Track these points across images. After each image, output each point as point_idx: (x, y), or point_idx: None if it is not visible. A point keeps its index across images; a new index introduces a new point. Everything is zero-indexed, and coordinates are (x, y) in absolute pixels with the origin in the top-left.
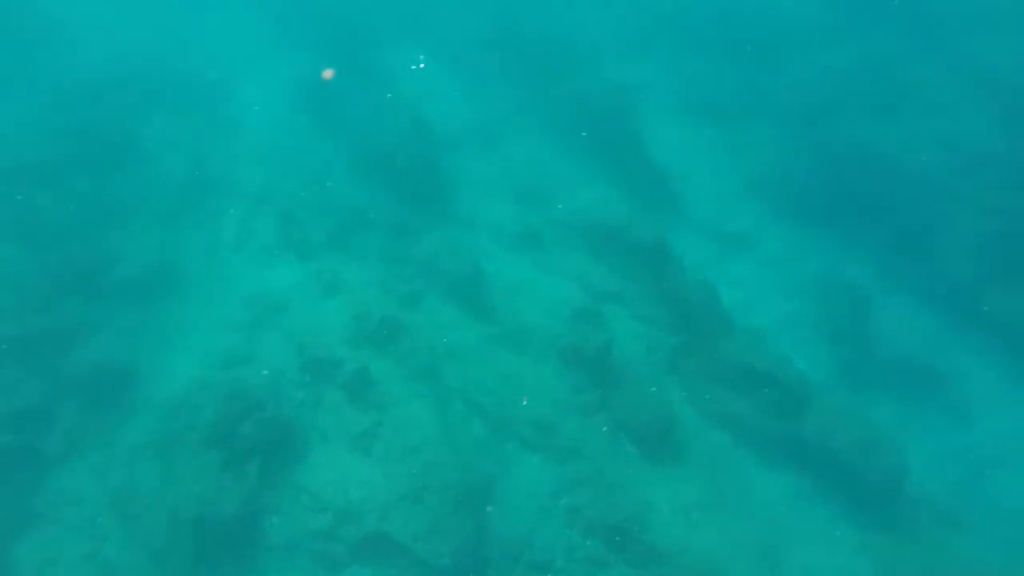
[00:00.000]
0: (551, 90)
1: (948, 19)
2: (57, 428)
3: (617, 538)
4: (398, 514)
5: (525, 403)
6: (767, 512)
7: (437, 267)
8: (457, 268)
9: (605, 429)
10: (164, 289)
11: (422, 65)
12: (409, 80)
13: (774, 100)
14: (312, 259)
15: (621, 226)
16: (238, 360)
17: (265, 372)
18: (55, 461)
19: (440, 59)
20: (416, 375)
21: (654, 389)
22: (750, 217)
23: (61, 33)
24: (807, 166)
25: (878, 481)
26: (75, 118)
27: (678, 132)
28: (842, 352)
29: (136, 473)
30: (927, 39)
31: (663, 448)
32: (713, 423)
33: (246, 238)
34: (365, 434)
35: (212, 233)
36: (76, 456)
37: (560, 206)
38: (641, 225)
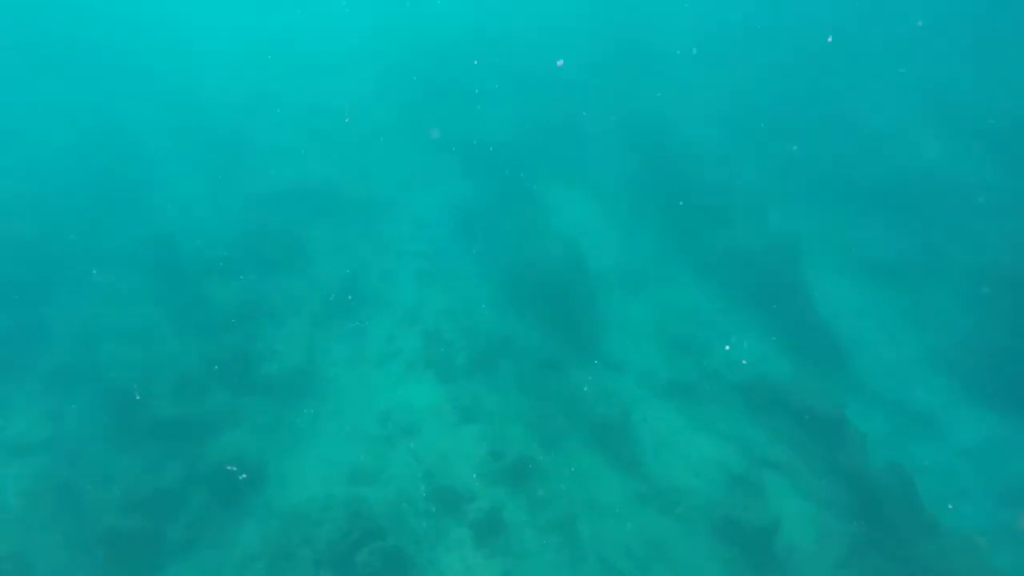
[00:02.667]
0: (709, 236)
1: None
2: (182, 518)
3: None
4: None
5: None
6: None
7: (581, 409)
8: (603, 413)
9: None
10: (305, 392)
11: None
12: (566, 215)
13: (955, 264)
14: (452, 382)
15: (786, 387)
16: (364, 477)
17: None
18: (173, 552)
19: (597, 197)
20: (551, 525)
21: None
22: (937, 394)
23: (256, 152)
24: (1004, 343)
25: None
26: (255, 223)
27: (848, 291)
28: None
29: None
30: None
31: None
32: None
33: (390, 352)
34: None
35: (358, 343)
36: (192, 551)
37: (726, 348)
38: (809, 389)
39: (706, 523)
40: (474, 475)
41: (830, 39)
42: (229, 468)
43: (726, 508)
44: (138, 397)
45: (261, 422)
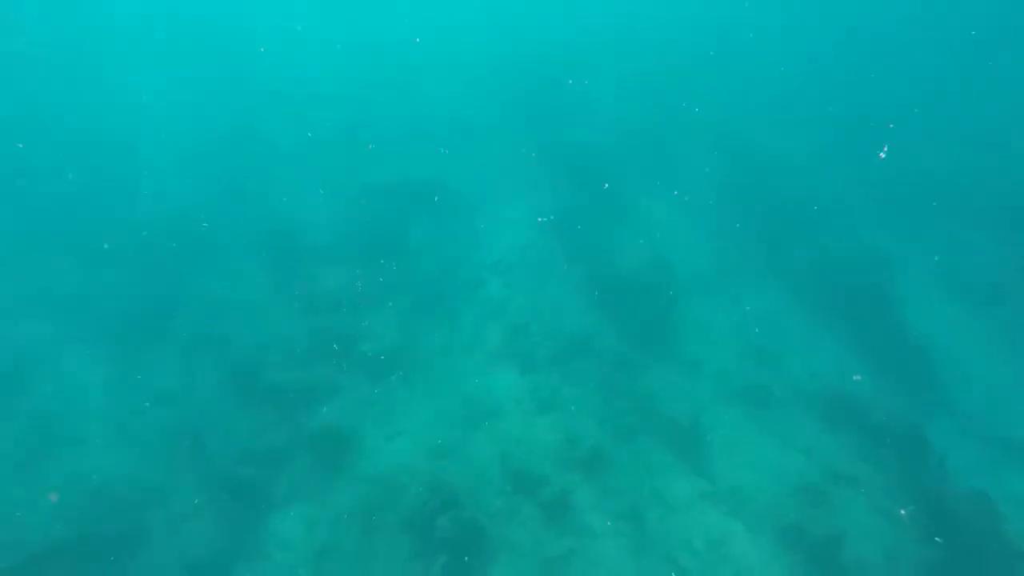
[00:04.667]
0: (797, 247)
1: None
2: (286, 474)
3: None
4: None
5: None
6: None
7: (655, 407)
8: (676, 412)
9: None
10: (400, 370)
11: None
12: (654, 221)
13: None
14: (533, 373)
15: (866, 402)
16: (446, 453)
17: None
18: (277, 503)
19: (687, 204)
20: (618, 513)
21: None
22: None
23: (364, 146)
24: None
25: None
26: (362, 214)
27: (943, 310)
28: None
29: (338, 536)
30: None
31: None
32: None
33: (478, 341)
34: (556, 560)
35: (449, 330)
36: (294, 503)
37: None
38: (891, 406)
39: (771, 528)
40: (548, 461)
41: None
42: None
43: (792, 515)
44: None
45: (359, 395)
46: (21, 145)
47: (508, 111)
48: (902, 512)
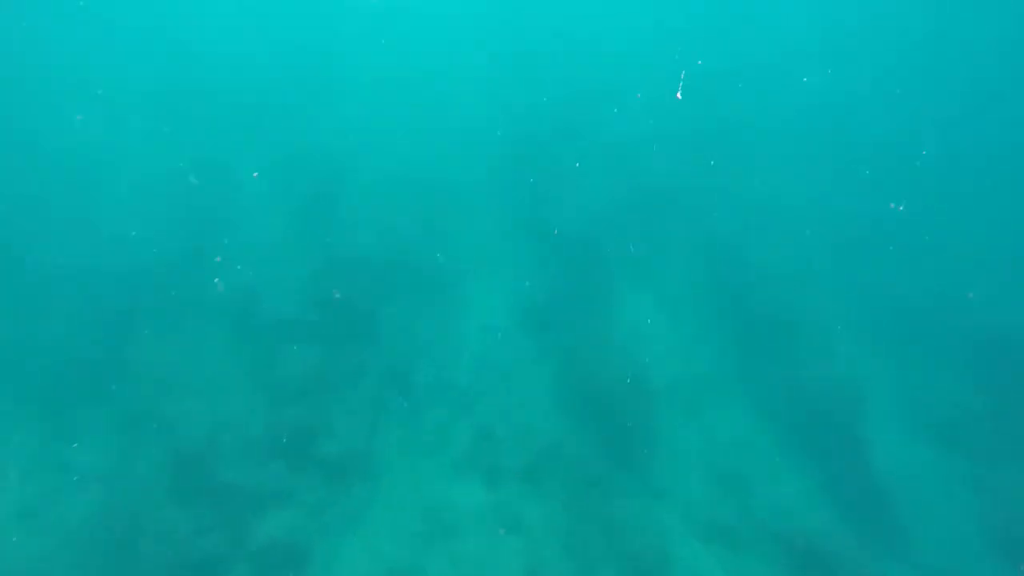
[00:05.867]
0: (771, 365)
1: None
2: None
3: None
4: None
5: None
6: None
7: (623, 538)
8: (642, 546)
9: None
10: (356, 475)
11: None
12: (632, 318)
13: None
14: (498, 487)
15: (829, 546)
16: (403, 575)
17: None
18: None
19: (665, 303)
20: None
21: None
22: None
23: (341, 211)
24: None
25: None
26: (333, 287)
27: (910, 452)
28: None
29: None
30: None
31: None
32: None
33: (442, 444)
34: None
35: (413, 430)
36: None
37: (762, 498)
38: (854, 551)
39: None
40: None
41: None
42: None
43: None
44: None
45: (312, 501)
46: None
47: (492, 181)
48: None
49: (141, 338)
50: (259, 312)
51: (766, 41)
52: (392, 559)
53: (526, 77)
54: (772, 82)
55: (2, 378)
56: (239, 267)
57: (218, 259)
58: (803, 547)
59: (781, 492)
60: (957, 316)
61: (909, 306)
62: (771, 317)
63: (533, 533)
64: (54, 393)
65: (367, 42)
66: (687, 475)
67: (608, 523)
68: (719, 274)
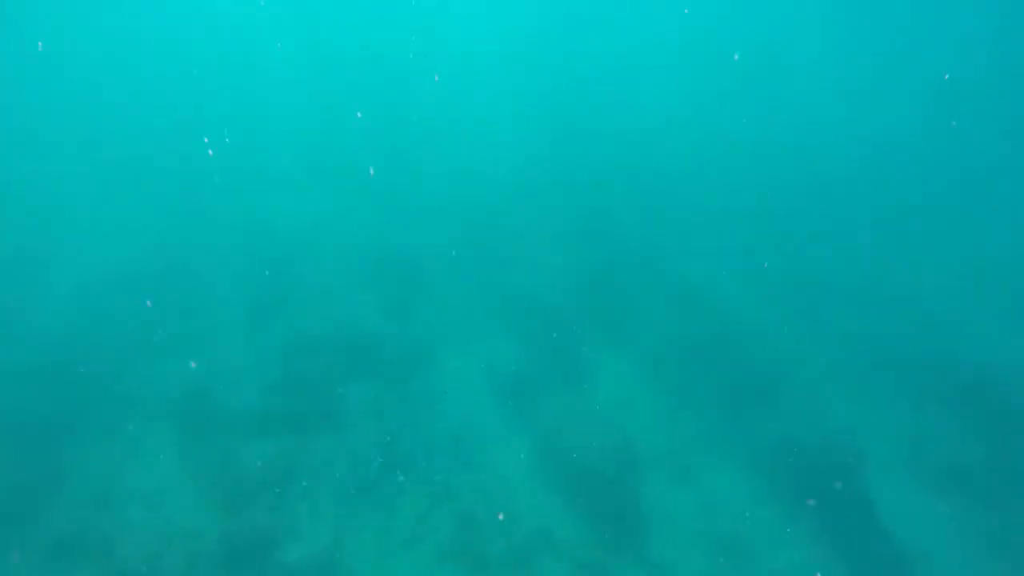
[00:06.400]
0: (760, 422)
1: None
2: None
3: None
4: None
5: None
6: None
7: None
8: None
9: None
10: None
11: None
12: (611, 386)
13: None
14: None
15: None
16: None
17: None
18: None
19: (644, 366)
20: None
21: None
22: None
23: (290, 302)
24: None
25: None
26: (292, 374)
27: (917, 502)
28: None
29: None
30: None
31: None
32: None
33: (421, 534)
34: None
35: (387, 522)
36: None
37: (769, 566)
38: None
39: None
40: None
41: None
42: None
43: None
44: None
45: None
46: None
47: (454, 256)
48: None
49: (73, 443)
50: (210, 406)
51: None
52: None
53: (484, 139)
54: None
55: None
56: (195, 349)
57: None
58: None
59: (789, 556)
60: (943, 358)
61: (892, 350)
62: (752, 368)
63: None
64: None
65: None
66: (687, 547)
67: None
68: (694, 331)
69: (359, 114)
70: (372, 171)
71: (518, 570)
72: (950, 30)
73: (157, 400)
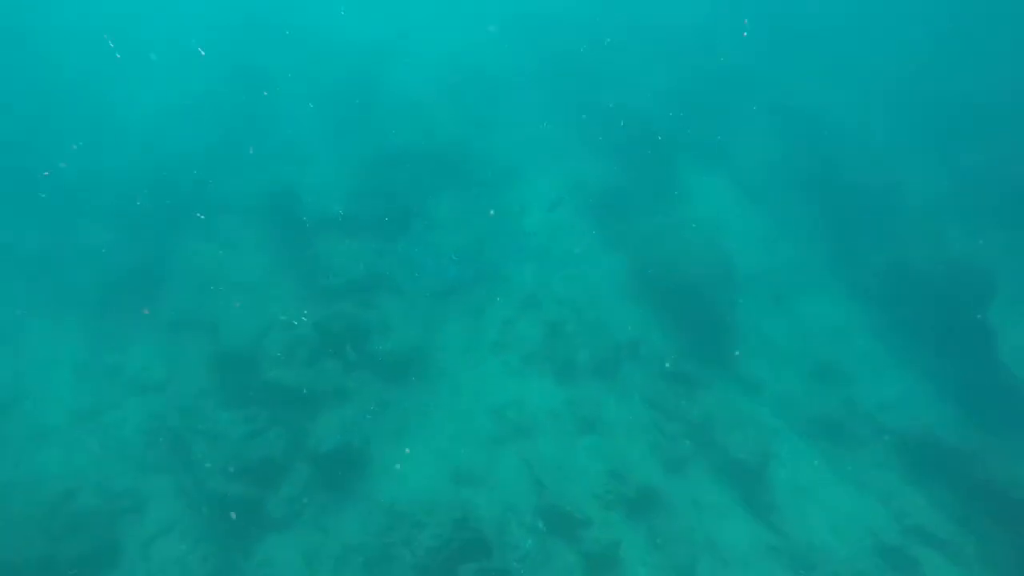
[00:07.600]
0: (869, 247)
1: None
2: (284, 490)
3: None
4: None
5: None
6: None
7: (712, 435)
8: (734, 443)
9: None
10: (416, 374)
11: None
12: (707, 204)
13: None
14: (573, 384)
15: (957, 449)
16: (472, 478)
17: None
18: (273, 525)
19: (742, 186)
20: (670, 567)
21: None
22: None
23: (385, 103)
24: None
25: None
26: (379, 182)
27: None
28: None
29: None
30: None
31: None
32: None
33: (508, 340)
34: None
35: (475, 325)
36: (292, 529)
37: (867, 392)
38: (986, 456)
39: None
40: (590, 496)
41: None
42: None
43: None
44: None
45: (369, 401)
46: None
47: (541, 67)
48: None
49: (179, 242)
50: (302, 209)
51: None
52: (461, 460)
53: None
54: None
55: (47, 287)
56: (288, 159)
57: (251, 151)
58: (920, 443)
59: (887, 384)
60: None
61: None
62: (862, 194)
63: (614, 431)
64: (98, 300)
65: None
66: (781, 368)
67: (695, 419)
68: (798, 142)
69: None
70: None
71: (605, 378)
72: None
73: (253, 202)
